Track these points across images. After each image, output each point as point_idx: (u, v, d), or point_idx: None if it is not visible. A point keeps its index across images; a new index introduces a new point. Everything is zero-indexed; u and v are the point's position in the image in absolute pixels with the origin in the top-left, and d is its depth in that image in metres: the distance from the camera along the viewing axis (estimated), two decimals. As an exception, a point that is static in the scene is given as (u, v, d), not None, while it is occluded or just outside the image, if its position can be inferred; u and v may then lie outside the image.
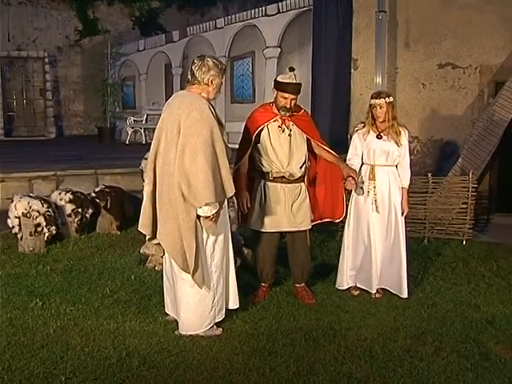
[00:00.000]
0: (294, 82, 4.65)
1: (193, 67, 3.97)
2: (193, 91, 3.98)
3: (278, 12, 12.02)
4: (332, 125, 10.79)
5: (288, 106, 4.61)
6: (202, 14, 19.24)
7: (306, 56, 11.38)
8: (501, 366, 3.65)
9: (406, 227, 5.05)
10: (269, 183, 4.70)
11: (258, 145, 4.69)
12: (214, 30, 13.87)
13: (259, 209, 4.72)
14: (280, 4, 11.93)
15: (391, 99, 4.83)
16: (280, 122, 4.67)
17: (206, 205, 3.78)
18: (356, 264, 5.04)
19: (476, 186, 7.00)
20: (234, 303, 4.23)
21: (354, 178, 4.70)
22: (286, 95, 4.60)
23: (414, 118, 9.07)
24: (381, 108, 4.80)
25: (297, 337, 4.06)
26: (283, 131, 4.66)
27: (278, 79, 4.70)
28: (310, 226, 4.87)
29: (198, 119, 3.78)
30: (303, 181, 4.81)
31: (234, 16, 13.44)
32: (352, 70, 9.73)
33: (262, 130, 4.66)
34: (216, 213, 3.86)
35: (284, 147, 4.66)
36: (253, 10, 12.73)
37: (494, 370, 3.61)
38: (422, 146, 9.05)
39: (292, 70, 4.78)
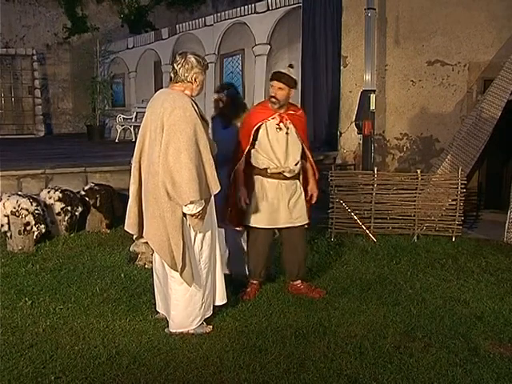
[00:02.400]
0: (283, 71, 4.68)
1: (175, 65, 3.95)
2: (176, 89, 3.96)
3: (268, 9, 12.04)
4: (322, 122, 10.83)
5: (274, 95, 4.62)
6: (191, 11, 19.21)
7: (295, 53, 11.39)
8: (489, 362, 3.68)
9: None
10: (267, 179, 4.72)
11: (256, 142, 4.71)
12: (204, 27, 13.88)
13: (257, 205, 4.72)
14: (269, 1, 11.94)
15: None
16: (278, 119, 4.69)
17: (191, 203, 3.77)
18: None
19: (465, 182, 7.03)
20: (221, 299, 4.23)
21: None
22: (273, 83, 4.64)
23: (404, 115, 9.12)
24: None
25: (287, 334, 4.06)
26: (281, 129, 4.68)
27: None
28: (307, 221, 4.88)
29: (181, 117, 3.77)
30: (298, 177, 4.83)
31: (223, 13, 13.44)
32: (341, 68, 9.76)
33: (259, 127, 4.67)
34: (202, 210, 3.85)
35: (281, 144, 4.67)
36: (242, 8, 12.74)
37: (482, 365, 3.63)
38: (411, 143, 9.09)
39: (291, 66, 4.81)
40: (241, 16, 12.71)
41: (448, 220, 7.00)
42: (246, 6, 12.65)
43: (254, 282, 4.92)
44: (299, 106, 11.06)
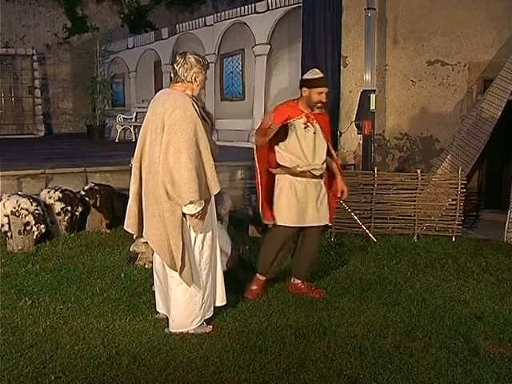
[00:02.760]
0: (322, 75, 4.75)
1: (175, 65, 3.94)
2: (177, 89, 3.95)
3: (268, 9, 12.04)
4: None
5: (324, 100, 4.68)
6: (191, 11, 19.21)
7: (295, 53, 11.39)
8: (489, 362, 3.68)
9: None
10: (296, 178, 4.72)
11: (285, 141, 4.71)
12: (204, 27, 13.87)
13: (286, 204, 4.71)
14: (269, 1, 11.94)
15: None
16: (305, 119, 4.71)
17: (191, 203, 3.77)
18: None
19: (465, 182, 7.03)
20: (221, 300, 4.23)
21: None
22: (321, 89, 4.65)
23: (404, 115, 9.12)
24: None
25: (287, 334, 4.06)
26: (308, 128, 4.70)
27: (308, 77, 4.76)
28: (327, 222, 4.94)
29: (182, 116, 3.77)
30: (322, 177, 4.84)
31: (223, 13, 13.43)
32: (341, 68, 9.77)
33: (287, 124, 4.66)
34: (201, 210, 3.84)
35: (309, 143, 4.69)
36: (242, 8, 12.74)
37: (482, 365, 3.63)
38: (411, 143, 9.09)
39: (314, 68, 4.85)
40: (241, 16, 12.70)
41: (448, 220, 7.00)
42: (246, 6, 12.64)
43: (262, 278, 4.90)
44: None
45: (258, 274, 4.92)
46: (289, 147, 4.71)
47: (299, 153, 4.69)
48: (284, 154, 4.74)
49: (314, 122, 4.74)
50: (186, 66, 3.90)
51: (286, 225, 4.75)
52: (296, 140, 4.68)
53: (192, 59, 3.92)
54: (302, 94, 4.75)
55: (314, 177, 4.74)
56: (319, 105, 4.70)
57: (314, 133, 4.71)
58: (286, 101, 5.00)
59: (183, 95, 3.88)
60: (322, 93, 4.66)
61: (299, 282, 4.96)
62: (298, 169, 4.69)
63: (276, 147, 4.75)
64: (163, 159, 3.76)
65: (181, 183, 3.72)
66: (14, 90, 18.34)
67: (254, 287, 4.86)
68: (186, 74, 3.91)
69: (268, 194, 4.84)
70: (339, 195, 4.97)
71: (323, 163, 4.79)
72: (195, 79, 3.93)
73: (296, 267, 5.00)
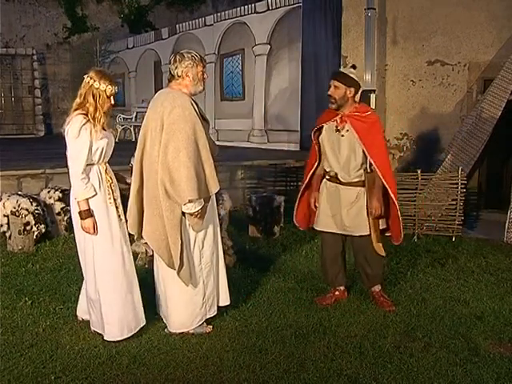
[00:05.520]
0: (342, 70, 4.55)
1: (169, 65, 3.97)
2: (175, 88, 3.95)
3: (268, 9, 12.06)
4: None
5: (330, 93, 4.39)
6: (191, 11, 19.22)
7: (295, 53, 11.40)
8: (489, 362, 3.67)
9: None
10: (329, 183, 4.60)
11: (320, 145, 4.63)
12: (204, 27, 13.90)
13: (320, 207, 4.66)
14: (269, 1, 11.95)
15: None
16: (338, 121, 4.45)
17: (190, 201, 3.76)
18: None
19: (465, 182, 7.03)
20: (224, 300, 4.23)
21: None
22: (330, 82, 4.44)
23: (404, 114, 9.12)
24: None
25: (287, 334, 4.06)
26: (338, 132, 4.46)
27: None
28: (365, 233, 4.51)
29: (181, 115, 3.77)
30: (363, 185, 4.48)
31: (223, 13, 13.46)
32: (341, 68, 9.76)
33: (321, 128, 4.55)
34: (201, 209, 3.84)
35: (334, 148, 4.49)
36: (242, 7, 12.76)
37: (482, 365, 3.63)
38: (411, 143, 9.09)
39: (353, 67, 4.63)
40: (241, 16, 12.72)
41: (448, 220, 7.00)
42: (245, 6, 12.66)
43: (334, 289, 4.82)
44: (298, 106, 11.13)
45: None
46: (322, 151, 4.61)
47: (327, 157, 4.55)
48: (322, 157, 4.64)
49: (347, 124, 4.42)
50: (176, 63, 3.91)
51: (316, 228, 4.72)
52: (324, 144, 4.54)
53: (183, 55, 3.92)
54: None
55: (344, 183, 4.51)
56: (330, 99, 4.41)
57: (342, 136, 4.45)
58: None
59: (181, 94, 3.88)
60: (330, 85, 4.42)
61: (373, 290, 4.75)
62: (328, 174, 4.59)
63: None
64: (162, 158, 3.76)
65: (180, 182, 3.72)
66: (14, 89, 18.34)
67: (327, 295, 4.80)
68: (176, 71, 3.91)
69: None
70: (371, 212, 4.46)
71: (357, 171, 4.46)
72: (187, 74, 3.91)
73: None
